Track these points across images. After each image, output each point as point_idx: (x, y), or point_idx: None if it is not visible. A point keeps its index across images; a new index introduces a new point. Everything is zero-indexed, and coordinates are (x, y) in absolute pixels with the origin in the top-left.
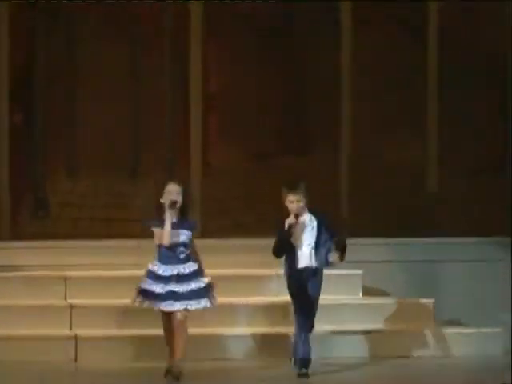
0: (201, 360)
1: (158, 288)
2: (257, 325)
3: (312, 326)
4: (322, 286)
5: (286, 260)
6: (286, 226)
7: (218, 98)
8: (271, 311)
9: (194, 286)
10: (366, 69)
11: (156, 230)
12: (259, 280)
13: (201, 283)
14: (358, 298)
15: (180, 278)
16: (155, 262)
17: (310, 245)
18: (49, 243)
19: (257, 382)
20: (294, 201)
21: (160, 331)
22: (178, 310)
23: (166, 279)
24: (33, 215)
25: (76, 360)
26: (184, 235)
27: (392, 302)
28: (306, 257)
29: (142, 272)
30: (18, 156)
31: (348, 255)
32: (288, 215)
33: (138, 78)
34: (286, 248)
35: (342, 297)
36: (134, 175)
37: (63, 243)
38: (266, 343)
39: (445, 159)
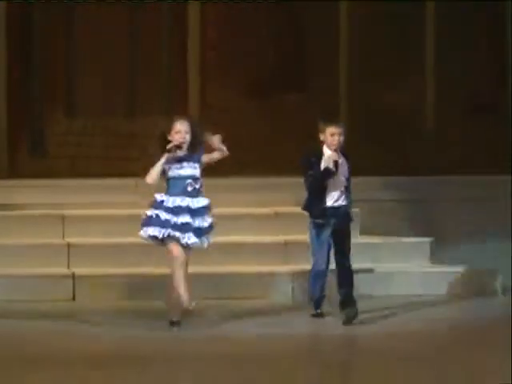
0: (206, 299)
1: (167, 216)
2: (254, 263)
3: (346, 264)
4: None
5: (314, 200)
6: (330, 162)
7: (216, 37)
8: (269, 250)
9: (201, 221)
10: (365, 5)
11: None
12: (258, 219)
13: (209, 220)
14: (356, 237)
15: (187, 212)
16: (163, 194)
17: (343, 183)
18: (46, 182)
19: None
20: (335, 133)
21: (158, 269)
22: (186, 244)
23: (173, 210)
24: (31, 154)
25: (74, 299)
26: (191, 168)
27: (391, 241)
28: (339, 196)
29: (141, 211)
30: (17, 95)
31: None
32: (317, 151)
33: (136, 19)
34: (322, 186)
35: None
36: (131, 114)
37: (61, 182)
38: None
39: (443, 97)
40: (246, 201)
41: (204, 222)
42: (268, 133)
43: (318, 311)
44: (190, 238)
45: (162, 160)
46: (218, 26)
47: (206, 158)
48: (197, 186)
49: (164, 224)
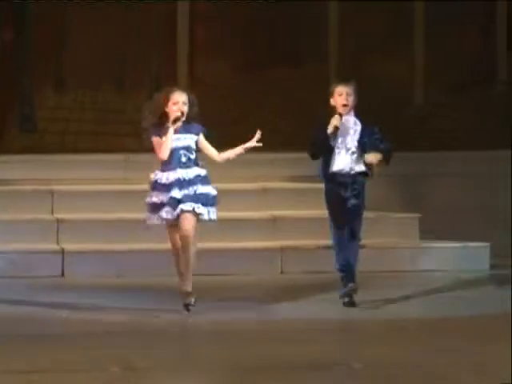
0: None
1: (164, 197)
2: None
3: (354, 238)
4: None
5: (322, 164)
6: (330, 126)
7: (207, 12)
8: (257, 225)
9: (199, 190)
10: None
11: (156, 139)
12: (246, 194)
13: (209, 190)
14: None
15: (183, 184)
16: (156, 172)
17: (350, 149)
18: (35, 157)
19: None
20: (342, 93)
21: (146, 245)
22: (183, 216)
23: (168, 186)
24: (20, 129)
25: (63, 274)
26: (187, 139)
27: (376, 217)
28: (343, 161)
29: (130, 186)
30: (5, 70)
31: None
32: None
33: None
34: (323, 149)
35: (321, 211)
36: (120, 89)
37: (50, 157)
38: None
39: (432, 71)
40: (235, 176)
41: (209, 190)
42: (257, 107)
43: (347, 299)
44: (182, 208)
45: (171, 132)
46: (210, 6)
47: (206, 149)
48: (191, 157)
49: (163, 206)
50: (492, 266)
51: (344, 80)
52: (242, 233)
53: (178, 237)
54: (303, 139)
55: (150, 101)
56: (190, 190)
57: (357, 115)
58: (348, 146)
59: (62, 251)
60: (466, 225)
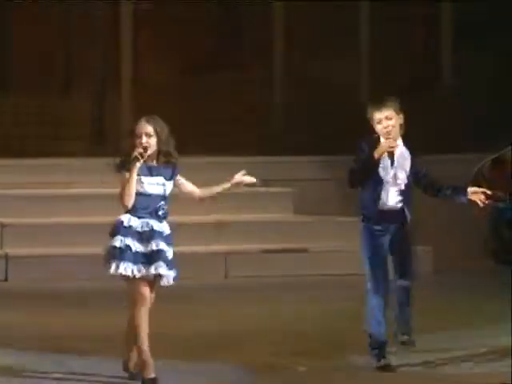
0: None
1: (137, 244)
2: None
3: (405, 275)
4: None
5: (365, 199)
6: (380, 148)
7: (149, 13)
8: (202, 230)
9: (160, 247)
10: None
11: (123, 176)
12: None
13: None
14: (290, 216)
15: (152, 235)
16: (128, 215)
17: (401, 183)
18: None
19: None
20: (381, 120)
21: (93, 249)
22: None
23: (142, 236)
24: None
25: (6, 279)
26: (163, 185)
27: (323, 220)
28: (396, 195)
29: (74, 190)
30: None
31: (282, 173)
32: (373, 139)
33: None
34: (368, 177)
35: (273, 215)
36: (66, 92)
37: None
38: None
39: (376, 77)
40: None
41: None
42: (199, 111)
43: (383, 362)
44: (159, 268)
45: (134, 174)
46: (154, 9)
47: (184, 187)
48: (166, 209)
49: (136, 258)
50: (436, 270)
51: (379, 104)
52: (186, 237)
53: (148, 294)
54: (249, 143)
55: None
56: (154, 246)
57: (406, 144)
58: (398, 181)
59: (6, 256)
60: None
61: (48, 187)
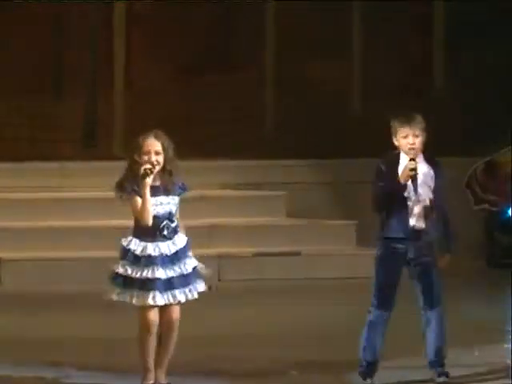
0: None
1: (136, 272)
2: None
3: (435, 305)
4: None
5: (388, 221)
6: (404, 172)
7: (143, 14)
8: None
9: (188, 267)
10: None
11: (136, 199)
12: (183, 202)
13: (188, 265)
14: (283, 219)
15: (166, 260)
16: (130, 238)
17: (423, 202)
18: None
19: None
20: (408, 135)
21: (84, 253)
22: (170, 303)
23: (142, 261)
24: None
25: (0, 283)
26: (168, 204)
27: (315, 224)
28: (420, 216)
29: (66, 194)
30: None
31: (274, 177)
32: (392, 157)
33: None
34: (395, 202)
35: (265, 218)
36: (57, 96)
37: None
38: None
39: (368, 80)
40: None
41: (186, 266)
42: (191, 114)
43: (368, 381)
44: (158, 297)
45: (147, 192)
46: (146, 12)
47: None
48: (173, 225)
49: (132, 284)
50: None
51: (409, 119)
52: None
53: (156, 317)
54: (241, 147)
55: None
56: (177, 270)
57: (427, 159)
58: (421, 198)
59: None
60: None
61: (40, 191)
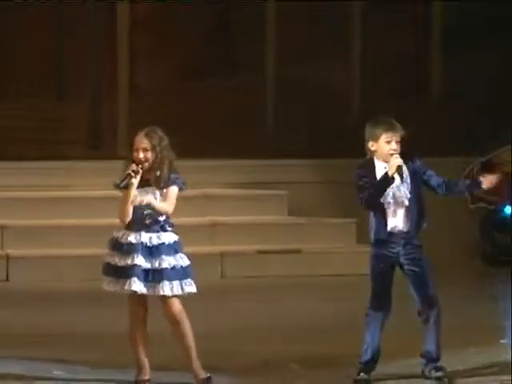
0: None
1: (120, 259)
2: None
3: (432, 306)
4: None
5: (375, 224)
6: (393, 168)
7: (146, 24)
8: (197, 231)
9: (162, 263)
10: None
11: (123, 192)
12: (186, 200)
13: (179, 261)
14: (285, 217)
15: (146, 250)
16: (121, 229)
17: (404, 203)
18: None
19: None
20: (391, 140)
21: (90, 250)
22: (164, 296)
23: (124, 249)
24: None
25: (7, 279)
26: (152, 194)
27: (316, 222)
28: (402, 218)
29: (71, 193)
30: None
31: (277, 176)
32: (366, 163)
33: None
34: (378, 201)
35: (267, 217)
36: (63, 98)
37: None
38: None
39: (369, 82)
40: None
41: (163, 262)
42: (194, 115)
43: (362, 375)
44: (132, 284)
45: (130, 191)
46: (148, 15)
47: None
48: (159, 218)
49: (117, 273)
50: None
51: (392, 125)
52: (182, 238)
53: (140, 305)
54: (245, 147)
55: None
56: (154, 263)
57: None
58: (400, 200)
59: (7, 256)
60: None
61: (47, 189)
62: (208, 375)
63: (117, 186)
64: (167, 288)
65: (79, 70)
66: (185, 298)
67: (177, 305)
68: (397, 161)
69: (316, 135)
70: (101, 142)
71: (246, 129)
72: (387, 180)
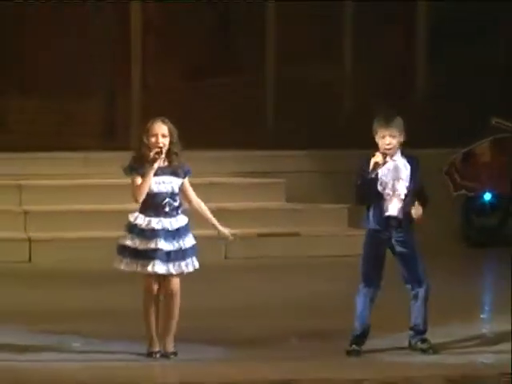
0: None
1: (140, 243)
2: None
3: (420, 283)
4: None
5: (371, 211)
6: (372, 166)
7: (157, 27)
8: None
9: (186, 244)
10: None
11: (136, 179)
12: (194, 188)
13: (192, 242)
14: (283, 203)
15: (168, 234)
16: (136, 214)
17: (399, 195)
18: (3, 155)
19: None
20: (385, 136)
21: (106, 233)
22: (171, 274)
23: (146, 234)
24: None
25: (30, 260)
26: (170, 183)
27: (312, 208)
28: (396, 208)
29: (89, 181)
30: None
31: (276, 166)
32: (370, 156)
33: (84, 9)
34: (371, 194)
35: (267, 203)
36: (79, 95)
37: (17, 155)
38: None
39: (359, 80)
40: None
41: (185, 242)
42: (202, 110)
43: (354, 347)
44: (155, 266)
45: (151, 174)
46: (159, 18)
47: (187, 192)
48: (175, 204)
49: (137, 255)
50: None
51: (386, 121)
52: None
53: (156, 284)
54: (246, 139)
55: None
56: (176, 245)
57: (405, 154)
58: (397, 193)
59: (29, 239)
60: None
61: (66, 178)
62: (176, 350)
63: (130, 171)
64: (190, 265)
65: (97, 69)
66: (191, 277)
67: (178, 281)
68: (373, 159)
69: (313, 129)
70: (115, 135)
71: (249, 123)
72: (366, 178)
